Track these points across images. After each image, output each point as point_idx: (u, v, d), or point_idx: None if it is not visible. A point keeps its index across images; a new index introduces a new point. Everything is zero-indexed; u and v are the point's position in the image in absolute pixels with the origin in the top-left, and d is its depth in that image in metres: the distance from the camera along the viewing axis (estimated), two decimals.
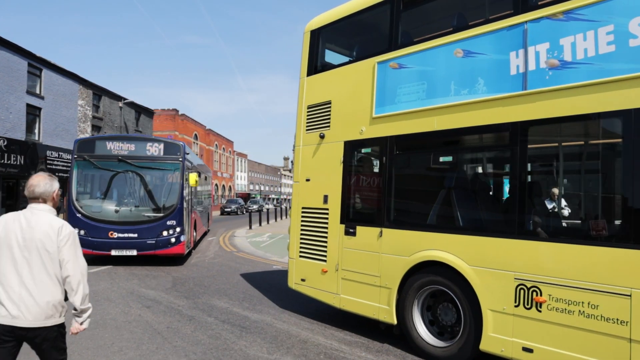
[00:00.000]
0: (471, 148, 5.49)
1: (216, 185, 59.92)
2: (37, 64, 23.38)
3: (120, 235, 10.68)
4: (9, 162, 20.69)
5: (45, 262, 2.76)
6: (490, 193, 5.33)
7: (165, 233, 10.84)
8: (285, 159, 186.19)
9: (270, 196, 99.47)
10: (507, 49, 4.40)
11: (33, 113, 23.12)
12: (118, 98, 31.93)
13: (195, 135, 49.42)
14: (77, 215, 10.79)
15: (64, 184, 25.68)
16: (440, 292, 4.95)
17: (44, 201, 2.91)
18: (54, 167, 24.18)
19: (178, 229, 10.98)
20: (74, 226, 10.14)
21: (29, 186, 2.89)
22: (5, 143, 20.48)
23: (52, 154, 24.05)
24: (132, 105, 33.79)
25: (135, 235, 10.73)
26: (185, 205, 11.54)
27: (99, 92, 29.72)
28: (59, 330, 2.84)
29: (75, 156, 11.23)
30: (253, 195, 76.72)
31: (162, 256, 11.39)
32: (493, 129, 4.56)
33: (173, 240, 10.88)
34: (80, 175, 11.37)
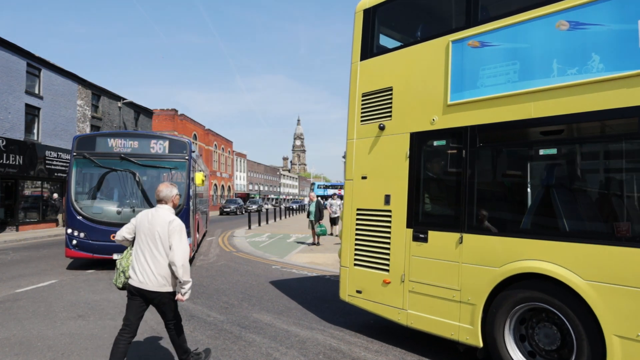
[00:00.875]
0: (580, 139, 4.42)
1: (215, 185, 59.90)
2: (36, 64, 23.36)
3: (127, 236, 10.66)
4: (7, 162, 20.67)
5: (160, 246, 3.90)
6: (612, 192, 4.27)
7: None
8: (285, 159, 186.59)
9: (269, 196, 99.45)
10: (635, 16, 3.67)
11: (32, 113, 23.09)
12: (117, 98, 31.91)
13: (195, 135, 49.42)
14: (77, 217, 10.20)
15: (63, 184, 25.75)
16: (537, 309, 4.18)
17: (165, 202, 4.10)
18: (52, 167, 24.16)
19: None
20: (72, 229, 10.04)
21: (156, 192, 4.14)
22: (4, 143, 20.46)
23: (51, 154, 24.02)
24: (131, 105, 33.77)
25: None
26: (191, 206, 11.02)
27: (97, 92, 29.70)
28: (170, 297, 3.98)
29: (74, 154, 10.50)
30: (252, 196, 76.71)
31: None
32: (612, 114, 3.77)
33: None
34: (80, 174, 10.68)
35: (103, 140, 10.70)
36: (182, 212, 10.31)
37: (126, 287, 4.03)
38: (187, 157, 10.72)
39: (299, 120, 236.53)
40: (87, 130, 28.48)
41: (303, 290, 8.56)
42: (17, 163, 21.33)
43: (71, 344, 5.31)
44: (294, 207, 55.62)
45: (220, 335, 5.67)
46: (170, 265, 3.87)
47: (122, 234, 4.16)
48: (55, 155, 24.44)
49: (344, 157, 7.07)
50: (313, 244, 16.13)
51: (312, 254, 13.89)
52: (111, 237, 9.58)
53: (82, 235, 10.01)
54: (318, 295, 8.11)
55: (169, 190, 4.10)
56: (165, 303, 3.97)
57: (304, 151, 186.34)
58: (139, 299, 3.95)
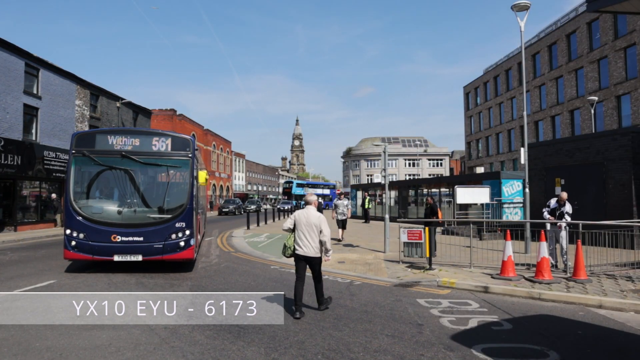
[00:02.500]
0: None
1: (214, 185, 59.78)
2: (34, 64, 23.32)
3: (124, 238, 9.51)
4: (6, 162, 20.63)
5: (314, 231, 6.63)
6: None
7: (173, 236, 9.74)
8: (283, 159, 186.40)
9: (268, 196, 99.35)
10: None
11: (30, 113, 23.05)
12: (115, 98, 31.86)
13: (193, 135, 49.34)
14: (76, 217, 9.61)
15: (61, 184, 25.71)
16: None
17: (312, 204, 6.84)
18: (51, 167, 24.12)
19: (187, 232, 9.85)
20: (71, 229, 9.62)
21: (305, 198, 7.00)
22: (2, 143, 20.41)
23: (49, 154, 23.99)
24: (129, 105, 33.72)
25: (141, 238, 9.56)
26: (194, 205, 10.46)
27: (96, 92, 29.65)
28: (319, 260, 6.74)
29: (73, 151, 9.94)
30: (251, 196, 76.64)
31: (169, 262, 10.37)
32: None
33: (182, 244, 9.78)
34: (79, 172, 10.13)
35: (103, 137, 10.13)
36: (185, 212, 9.89)
37: (292, 256, 6.74)
38: (190, 155, 10.24)
39: (297, 120, 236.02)
40: (86, 130, 28.44)
41: None
42: (15, 163, 21.29)
43: (69, 344, 5.30)
44: (285, 208, 47.28)
45: (219, 336, 5.67)
46: (320, 242, 6.65)
47: (287, 225, 6.82)
48: (54, 156, 24.40)
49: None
50: None
51: None
52: (112, 238, 9.47)
53: (81, 236, 9.50)
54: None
55: (313, 197, 7.00)
56: (317, 263, 6.73)
57: (302, 151, 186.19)
58: (303, 262, 6.71)
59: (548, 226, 10.68)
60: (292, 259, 6.79)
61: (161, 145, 10.18)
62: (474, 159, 56.40)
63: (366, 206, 31.85)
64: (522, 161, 14.23)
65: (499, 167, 49.16)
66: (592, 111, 31.14)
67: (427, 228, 10.56)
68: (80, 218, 9.63)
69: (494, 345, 5.41)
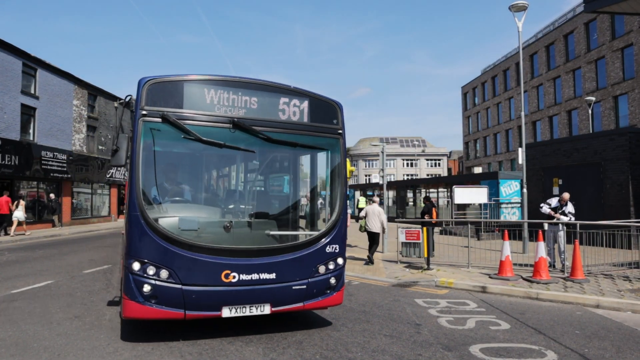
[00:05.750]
0: None
1: None
2: (31, 64, 23.28)
3: (244, 277, 5.32)
4: (3, 162, 20.58)
5: (376, 217, 11.54)
6: None
7: (322, 268, 5.78)
8: None
9: None
10: None
11: (28, 113, 23.01)
12: (113, 98, 31.82)
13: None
14: (152, 236, 5.12)
15: (59, 184, 25.68)
16: None
17: (376, 203, 11.98)
18: (48, 167, 24.07)
19: (340, 260, 5.97)
20: (142, 261, 5.00)
21: (373, 199, 12.47)
22: (0, 143, 20.37)
23: (47, 154, 23.94)
24: (128, 105, 33.67)
25: (272, 275, 5.46)
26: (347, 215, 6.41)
27: (94, 92, 29.61)
28: (378, 235, 11.82)
29: (144, 112, 5.22)
30: None
31: (306, 311, 6.47)
32: None
33: (333, 280, 5.87)
34: (152, 154, 5.47)
35: (198, 89, 5.48)
36: (338, 228, 5.95)
37: (365, 231, 11.24)
38: (340, 131, 6.14)
39: None
40: (84, 130, 28.40)
41: None
42: (12, 163, 21.24)
43: (67, 344, 5.29)
44: None
45: (217, 335, 5.67)
46: (380, 222, 11.47)
47: (362, 214, 10.73)
48: (51, 156, 24.35)
49: None
50: None
51: None
52: (223, 277, 5.20)
53: (164, 274, 5.07)
54: None
55: (376, 199, 10.91)
56: (378, 236, 11.64)
57: None
58: (371, 234, 11.57)
59: (546, 226, 10.70)
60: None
61: (293, 111, 5.86)
62: (472, 159, 56.48)
63: (364, 206, 31.86)
64: (520, 161, 14.25)
65: (496, 167, 49.24)
66: (590, 111, 31.22)
67: (425, 228, 10.57)
68: (160, 239, 5.11)
69: (491, 345, 5.42)
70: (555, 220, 10.36)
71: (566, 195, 10.57)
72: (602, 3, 12.13)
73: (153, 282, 5.04)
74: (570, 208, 10.46)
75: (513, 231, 12.19)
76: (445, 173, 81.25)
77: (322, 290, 5.81)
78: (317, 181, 6.67)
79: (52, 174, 24.41)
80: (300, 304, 5.67)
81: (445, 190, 27.48)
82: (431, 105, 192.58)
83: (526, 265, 10.41)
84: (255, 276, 5.37)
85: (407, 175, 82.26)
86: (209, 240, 5.39)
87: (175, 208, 5.85)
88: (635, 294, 7.85)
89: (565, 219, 10.32)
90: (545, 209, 10.72)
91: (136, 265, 5.04)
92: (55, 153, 24.69)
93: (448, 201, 25.96)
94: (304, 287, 5.66)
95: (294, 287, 5.60)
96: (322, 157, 6.49)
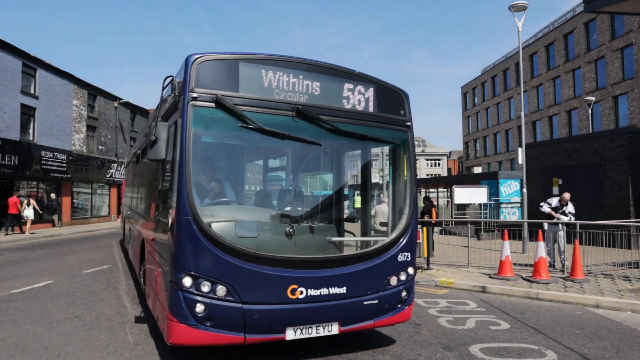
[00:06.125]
0: None
1: None
2: (31, 64, 23.27)
3: (313, 292, 4.52)
4: (3, 162, 20.57)
5: (385, 217, 6.33)
6: None
7: (393, 280, 5.02)
8: None
9: None
10: None
11: (27, 113, 23.00)
12: (113, 98, 31.82)
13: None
14: (207, 245, 4.23)
15: (59, 184, 25.68)
16: None
17: (385, 202, 6.31)
18: (48, 167, 24.06)
19: (411, 270, 5.22)
20: (192, 274, 4.13)
21: (382, 199, 6.78)
22: (0, 143, 20.36)
23: (46, 154, 23.92)
24: (127, 105, 33.68)
25: (343, 289, 4.66)
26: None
27: (93, 92, 29.60)
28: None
29: (194, 96, 4.32)
30: None
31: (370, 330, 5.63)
32: None
33: (404, 294, 5.14)
34: (201, 146, 4.80)
35: (255, 70, 4.59)
36: (410, 232, 5.23)
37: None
38: (408, 124, 5.43)
39: None
40: (83, 130, 28.38)
41: None
42: (12, 163, 21.23)
43: (67, 344, 5.29)
44: None
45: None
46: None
47: (372, 213, 5.60)
48: (51, 156, 24.34)
49: None
50: None
51: None
52: (288, 293, 4.39)
53: (221, 291, 4.23)
54: None
55: (386, 199, 5.87)
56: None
57: None
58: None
59: (546, 226, 10.70)
60: None
61: (359, 98, 5.07)
62: (472, 159, 56.48)
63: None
64: (520, 161, 14.26)
65: (496, 167, 49.25)
66: (590, 111, 31.22)
67: (424, 228, 10.57)
68: (217, 249, 4.24)
69: (491, 344, 5.42)
70: (555, 220, 10.36)
71: (567, 195, 10.57)
72: (602, 3, 12.13)
73: (208, 300, 4.17)
74: (570, 208, 10.46)
75: (513, 231, 12.19)
76: (445, 173, 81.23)
77: (393, 304, 5.03)
78: (384, 180, 6.13)
79: (51, 174, 24.40)
80: (370, 322, 4.89)
81: (445, 190, 27.49)
82: (431, 105, 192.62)
83: (526, 265, 10.41)
84: (324, 291, 4.55)
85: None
86: (271, 249, 4.52)
87: (229, 210, 5.09)
88: (635, 293, 7.85)
89: (565, 219, 10.32)
90: (545, 208, 10.72)
91: (187, 281, 4.12)
92: (55, 153, 24.68)
93: (448, 201, 25.97)
94: (376, 301, 4.85)
95: (365, 303, 4.80)
96: (389, 152, 5.71)
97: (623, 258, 10.14)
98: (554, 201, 10.75)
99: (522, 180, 14.50)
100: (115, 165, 31.74)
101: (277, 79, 4.63)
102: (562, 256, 10.07)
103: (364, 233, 5.86)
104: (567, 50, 38.05)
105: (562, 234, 10.22)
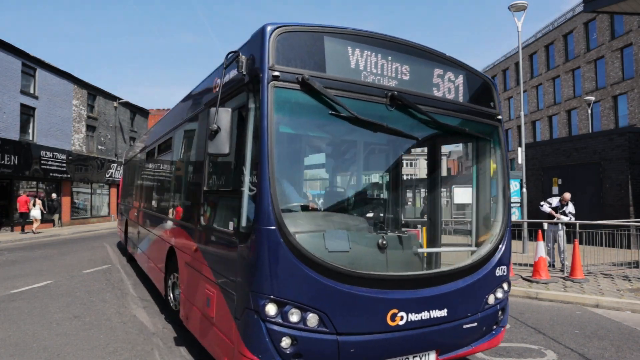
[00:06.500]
0: None
1: None
2: (31, 64, 23.26)
3: (413, 317, 3.71)
4: (2, 162, 20.57)
5: None
6: None
7: (491, 298, 4.30)
8: None
9: None
10: None
11: (27, 113, 22.99)
12: (113, 98, 31.81)
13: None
14: (295, 260, 3.31)
15: (59, 184, 25.67)
16: None
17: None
18: (48, 167, 24.06)
19: (506, 285, 4.47)
20: (274, 299, 3.25)
21: None
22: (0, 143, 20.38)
23: (46, 154, 23.92)
24: (127, 105, 33.67)
25: (444, 312, 3.88)
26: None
27: (93, 92, 29.59)
28: None
29: (275, 74, 3.39)
30: None
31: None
32: None
33: (500, 314, 4.42)
34: (284, 138, 4.24)
35: (341, 47, 3.74)
36: (506, 239, 4.48)
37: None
38: (499, 117, 4.77)
39: None
40: (83, 130, 28.37)
41: None
42: (12, 163, 21.23)
43: (67, 344, 5.29)
44: None
45: None
46: None
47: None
48: (51, 156, 24.33)
49: None
50: None
51: None
52: (388, 319, 3.58)
53: (312, 320, 3.36)
54: None
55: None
56: None
57: None
58: None
59: (545, 226, 10.70)
60: None
61: (449, 86, 4.32)
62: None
63: None
64: (520, 161, 14.25)
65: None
66: (589, 111, 31.23)
67: (424, 228, 10.55)
68: (307, 267, 3.36)
69: None
70: (555, 220, 10.36)
71: (567, 195, 10.57)
72: (602, 3, 12.13)
73: (297, 333, 3.30)
74: (570, 208, 10.46)
75: (512, 231, 12.16)
76: (444, 173, 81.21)
77: (490, 326, 4.28)
78: (472, 180, 5.23)
79: (51, 174, 24.40)
80: (468, 348, 4.14)
81: (445, 190, 27.49)
82: None
83: (526, 264, 10.41)
84: (424, 315, 3.75)
85: (407, 175, 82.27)
86: (364, 266, 3.71)
87: (314, 218, 4.23)
88: (635, 293, 7.85)
89: (565, 218, 10.32)
90: (545, 207, 10.71)
91: (272, 308, 3.25)
92: (55, 153, 24.67)
93: (447, 201, 25.96)
94: (475, 324, 4.09)
95: (464, 326, 4.02)
96: (478, 148, 4.90)
97: (623, 258, 10.14)
98: (554, 201, 10.75)
99: (521, 180, 14.49)
100: (115, 165, 31.72)
101: (365, 59, 3.79)
102: (562, 256, 10.07)
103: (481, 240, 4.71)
104: (566, 50, 38.06)
105: (562, 233, 10.22)
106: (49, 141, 24.39)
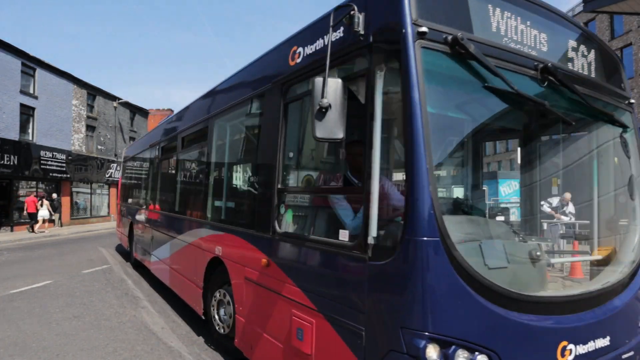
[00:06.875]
0: None
1: None
2: (30, 64, 23.26)
3: (580, 349, 2.80)
4: (2, 162, 20.57)
5: None
6: None
7: None
8: None
9: None
10: None
11: (27, 113, 22.99)
12: (112, 98, 31.81)
13: None
14: (459, 280, 2.38)
15: (58, 184, 25.65)
16: None
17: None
18: (47, 167, 24.06)
19: None
20: (446, 340, 2.37)
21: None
22: None
23: (46, 154, 23.92)
24: (126, 105, 33.66)
25: (607, 340, 2.97)
26: None
27: (93, 92, 29.59)
28: None
29: (422, 30, 2.48)
30: None
31: None
32: None
33: None
34: (434, 118, 2.72)
35: (486, 5, 2.89)
36: None
37: None
38: (633, 101, 3.98)
39: None
40: (83, 130, 28.36)
41: None
42: (11, 163, 21.23)
43: (66, 344, 5.29)
44: None
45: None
46: None
47: None
48: (51, 156, 24.33)
49: None
50: None
51: None
52: (559, 355, 2.71)
53: None
54: None
55: None
56: None
57: None
58: None
59: (545, 225, 10.70)
60: None
61: (582, 62, 3.51)
62: None
63: None
64: (520, 161, 14.25)
65: (496, 167, 49.26)
66: None
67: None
68: (472, 290, 2.42)
69: None
70: (555, 220, 10.35)
71: (568, 196, 10.56)
72: (602, 3, 12.13)
73: None
74: (571, 208, 10.46)
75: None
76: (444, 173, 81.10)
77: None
78: (593, 176, 4.28)
79: (51, 174, 24.39)
80: None
81: (445, 190, 27.50)
82: None
83: None
84: (591, 345, 2.90)
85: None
86: (522, 286, 2.83)
87: (470, 224, 3.40)
88: None
89: (565, 219, 10.32)
90: (545, 207, 10.71)
91: (433, 351, 2.37)
92: (55, 153, 24.66)
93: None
94: (631, 353, 3.20)
95: (623, 356, 3.14)
96: (599, 138, 3.95)
97: None
98: (555, 201, 10.75)
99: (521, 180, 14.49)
100: (115, 165, 31.72)
101: (505, 22, 2.96)
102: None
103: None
104: None
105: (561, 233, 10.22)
106: (48, 141, 24.39)
